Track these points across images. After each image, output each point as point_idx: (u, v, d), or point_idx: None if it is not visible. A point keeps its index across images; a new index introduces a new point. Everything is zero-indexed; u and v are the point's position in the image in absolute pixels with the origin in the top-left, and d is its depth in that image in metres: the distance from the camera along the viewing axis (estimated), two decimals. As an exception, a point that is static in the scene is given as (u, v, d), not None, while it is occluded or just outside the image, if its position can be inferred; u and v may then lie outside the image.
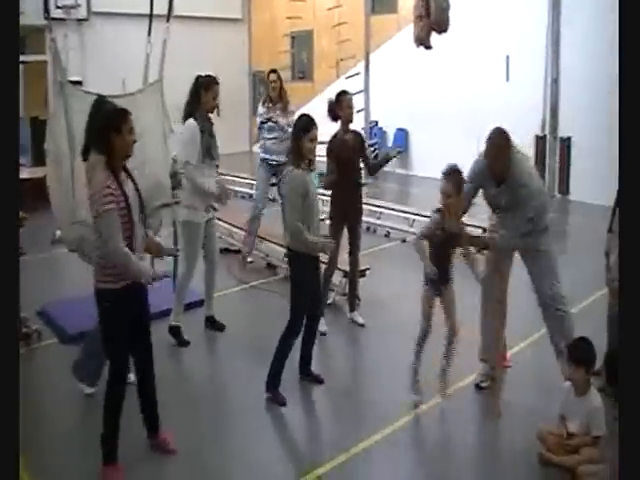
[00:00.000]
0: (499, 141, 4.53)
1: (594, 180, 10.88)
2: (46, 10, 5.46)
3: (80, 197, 4.73)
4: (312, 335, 5.05)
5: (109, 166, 3.74)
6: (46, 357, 5.62)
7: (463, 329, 5.34)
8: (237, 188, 11.91)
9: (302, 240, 4.65)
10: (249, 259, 7.94)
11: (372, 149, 13.65)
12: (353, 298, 6.35)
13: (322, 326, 5.98)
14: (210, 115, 5.75)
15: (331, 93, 6.34)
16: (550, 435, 4.11)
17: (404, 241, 8.98)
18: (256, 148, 7.81)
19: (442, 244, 4.54)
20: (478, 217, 6.60)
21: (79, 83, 12.21)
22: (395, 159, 7.18)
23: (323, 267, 5.63)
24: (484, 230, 6.15)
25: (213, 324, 6.14)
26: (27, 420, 3.84)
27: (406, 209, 9.76)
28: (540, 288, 4.75)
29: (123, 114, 3.80)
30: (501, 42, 12.48)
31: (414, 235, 4.91)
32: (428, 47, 8.17)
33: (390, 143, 15.28)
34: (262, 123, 7.59)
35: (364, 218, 6.51)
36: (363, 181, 6.39)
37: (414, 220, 9.06)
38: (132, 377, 4.21)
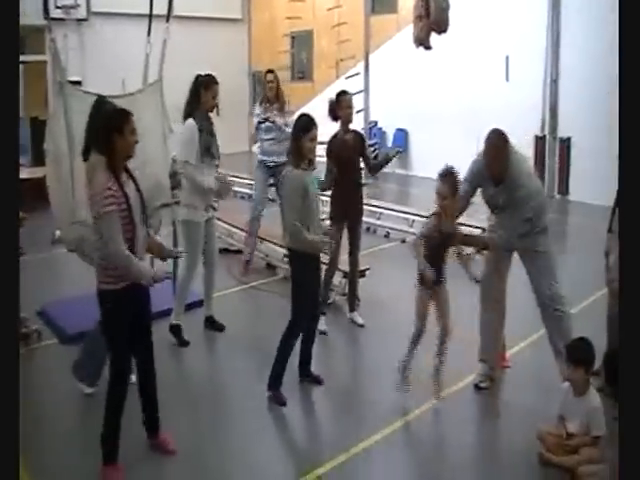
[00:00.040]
0: (497, 142, 4.54)
1: (594, 180, 10.89)
2: (45, 10, 5.48)
3: (80, 197, 4.73)
4: (311, 335, 5.05)
5: (110, 167, 3.74)
6: (46, 357, 5.62)
7: (462, 329, 5.36)
8: (236, 188, 11.91)
9: (301, 239, 4.65)
10: (250, 261, 7.89)
11: (372, 149, 13.66)
12: (353, 298, 6.35)
13: (322, 325, 5.99)
14: (210, 115, 5.75)
15: (331, 93, 6.34)
16: (549, 435, 4.11)
17: (404, 241, 8.98)
18: (255, 148, 7.77)
19: (437, 245, 4.55)
20: (477, 217, 6.60)
21: (79, 83, 12.21)
22: (395, 159, 7.18)
23: (323, 267, 5.63)
24: (483, 230, 6.15)
25: (213, 324, 6.14)
26: (27, 420, 3.84)
27: (406, 209, 9.76)
28: (539, 288, 4.76)
29: (125, 115, 3.80)
30: (501, 42, 12.49)
31: (414, 235, 4.91)
32: (428, 47, 8.17)
33: (390, 143, 15.28)
34: (259, 123, 7.54)
35: (364, 218, 6.51)
36: (363, 181, 6.38)
37: (414, 220, 9.06)
38: (133, 378, 4.21)
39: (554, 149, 12.26)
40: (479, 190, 4.86)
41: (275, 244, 7.72)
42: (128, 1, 13.08)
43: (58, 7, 14.05)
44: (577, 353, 4.10)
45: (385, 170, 6.69)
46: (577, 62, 11.57)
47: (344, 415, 4.76)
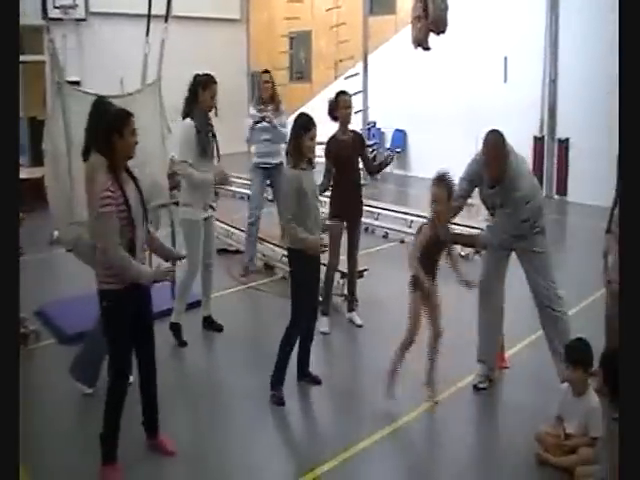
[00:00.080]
0: (495, 143, 4.55)
1: (592, 181, 10.90)
2: (44, 10, 5.47)
3: (78, 197, 4.73)
4: (310, 335, 5.05)
5: (110, 167, 3.74)
6: (44, 358, 5.61)
7: (461, 330, 5.37)
8: (235, 189, 11.92)
9: (296, 238, 4.67)
10: (249, 267, 7.86)
11: (370, 150, 13.66)
12: (352, 298, 6.35)
13: (324, 326, 5.99)
14: (210, 115, 5.75)
15: (329, 94, 6.34)
16: (548, 436, 4.11)
17: (402, 242, 8.98)
18: (252, 149, 7.73)
19: (431, 250, 4.55)
20: (476, 219, 6.61)
21: (77, 83, 12.20)
22: (393, 160, 7.18)
23: (323, 268, 5.63)
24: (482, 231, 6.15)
25: (211, 324, 6.14)
26: (26, 421, 3.83)
27: (404, 210, 9.77)
28: (536, 288, 4.77)
29: (126, 116, 3.80)
30: (499, 43, 12.50)
31: (412, 236, 4.91)
32: (426, 48, 8.18)
33: (388, 144, 15.29)
34: (255, 123, 7.44)
35: (362, 219, 6.50)
36: (362, 182, 6.38)
37: (412, 221, 9.06)
38: (131, 378, 4.20)
39: (552, 150, 12.28)
40: (477, 190, 4.88)
41: (273, 244, 7.72)
42: (126, 1, 13.10)
43: (56, 7, 14.02)
44: (575, 353, 4.10)
45: (384, 170, 6.69)
46: (575, 63, 11.58)
47: (343, 415, 4.76)
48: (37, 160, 9.84)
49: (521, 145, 4.96)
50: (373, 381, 5.10)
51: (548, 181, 12.28)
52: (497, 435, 4.59)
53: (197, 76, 5.63)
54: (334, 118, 6.03)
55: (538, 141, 12.36)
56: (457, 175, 4.87)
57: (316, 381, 5.09)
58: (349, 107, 6.04)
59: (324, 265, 5.69)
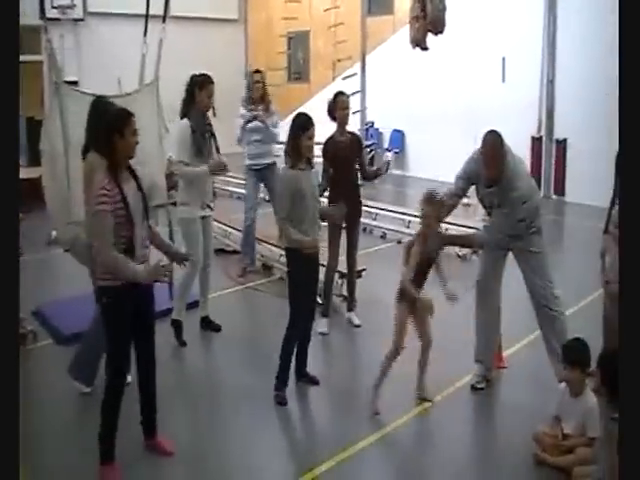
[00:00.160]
0: (494, 143, 4.56)
1: (590, 181, 10.91)
2: (42, 10, 5.46)
3: (75, 197, 4.73)
4: (307, 335, 5.04)
5: (110, 167, 3.74)
6: (42, 358, 5.60)
7: (458, 330, 5.37)
8: (232, 189, 11.92)
9: (289, 238, 4.69)
10: (249, 269, 7.85)
11: (368, 150, 13.65)
12: (351, 298, 6.35)
13: (322, 327, 5.99)
14: (209, 115, 5.74)
15: (327, 94, 6.34)
16: (546, 436, 4.11)
17: (400, 242, 8.98)
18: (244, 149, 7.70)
19: (421, 265, 4.56)
20: (474, 219, 6.61)
21: (75, 83, 12.20)
22: (391, 161, 7.18)
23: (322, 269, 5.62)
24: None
25: (209, 325, 6.13)
26: (24, 421, 3.83)
27: (402, 210, 9.77)
28: (533, 288, 4.78)
29: (127, 116, 3.81)
30: (497, 43, 12.50)
31: (409, 237, 4.91)
32: (424, 48, 8.19)
33: (386, 144, 15.30)
34: (247, 122, 7.37)
35: (361, 219, 6.50)
36: (360, 182, 6.37)
37: (410, 221, 9.06)
38: (129, 378, 4.21)
39: (550, 150, 12.29)
40: (473, 189, 4.89)
41: (271, 244, 7.72)
42: (124, 1, 13.11)
43: (54, 7, 14.03)
44: (573, 354, 4.10)
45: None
46: (573, 63, 11.60)
47: (341, 415, 4.76)
48: (35, 160, 9.82)
49: (519, 145, 4.98)
50: (371, 381, 5.10)
51: (546, 181, 12.30)
52: (495, 435, 4.59)
53: (194, 76, 5.63)
54: (333, 119, 6.04)
55: (536, 141, 12.38)
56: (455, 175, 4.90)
57: (314, 381, 5.09)
58: (347, 108, 6.05)
59: (323, 266, 5.69)
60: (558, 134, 12.18)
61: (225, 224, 8.76)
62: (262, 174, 7.55)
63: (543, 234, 4.82)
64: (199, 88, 5.58)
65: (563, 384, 4.20)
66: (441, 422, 4.63)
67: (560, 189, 12.22)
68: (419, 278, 4.56)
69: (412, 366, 4.79)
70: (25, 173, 10.25)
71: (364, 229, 9.33)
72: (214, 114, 5.81)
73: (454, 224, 7.82)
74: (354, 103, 8.58)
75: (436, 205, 4.53)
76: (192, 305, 6.16)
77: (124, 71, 7.46)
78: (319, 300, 5.90)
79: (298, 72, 18.53)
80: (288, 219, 4.66)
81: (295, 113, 4.86)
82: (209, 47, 16.49)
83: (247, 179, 7.72)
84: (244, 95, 7.50)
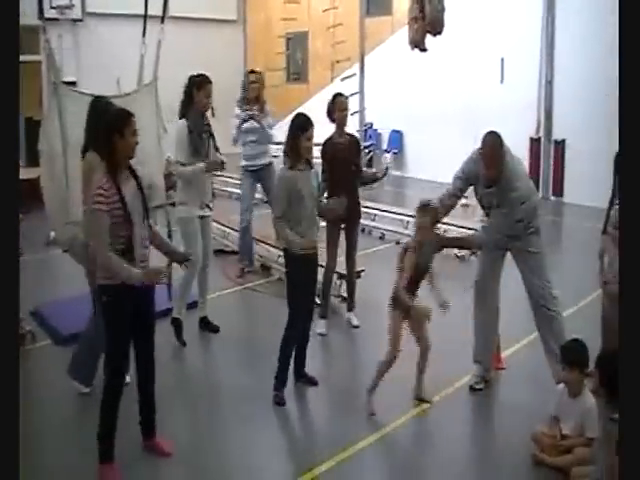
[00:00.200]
0: (494, 144, 4.56)
1: (588, 182, 10.90)
2: (40, 10, 5.45)
3: (74, 197, 4.72)
4: (305, 336, 5.04)
5: (109, 167, 3.73)
6: (40, 358, 5.59)
7: (457, 330, 5.37)
8: (231, 189, 11.92)
9: (283, 238, 4.70)
10: (247, 269, 7.85)
11: (367, 151, 13.65)
12: (351, 299, 6.35)
13: (321, 327, 5.98)
14: (208, 115, 5.73)
15: (326, 95, 6.34)
16: (544, 436, 4.12)
17: (398, 243, 8.97)
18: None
19: (414, 274, 4.56)
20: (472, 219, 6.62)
21: (73, 84, 12.19)
22: (389, 162, 7.18)
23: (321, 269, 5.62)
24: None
25: (207, 325, 6.13)
26: (23, 422, 3.83)
27: (401, 211, 9.77)
28: (531, 288, 4.78)
29: (127, 116, 3.81)
30: (496, 44, 12.51)
31: (408, 237, 4.91)
32: (423, 49, 8.20)
33: (385, 145, 15.29)
34: (243, 121, 7.33)
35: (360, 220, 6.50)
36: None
37: (409, 222, 9.05)
38: (128, 378, 4.20)
39: (549, 151, 12.30)
40: (471, 190, 4.90)
41: (269, 245, 7.72)
42: (123, 2, 13.09)
43: (53, 7, 14.00)
44: (571, 354, 4.11)
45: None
46: (572, 64, 11.60)
47: (340, 415, 4.76)
48: (33, 160, 9.82)
49: (517, 146, 4.98)
50: (370, 382, 5.10)
51: (544, 182, 12.30)
52: (493, 435, 4.60)
53: (192, 77, 5.63)
54: (332, 120, 6.04)
55: (534, 142, 12.38)
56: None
57: (312, 382, 5.09)
58: (345, 109, 6.05)
59: (321, 267, 5.69)
60: (556, 135, 12.19)
61: (224, 225, 8.76)
62: (258, 175, 7.54)
63: (541, 234, 4.83)
64: (197, 88, 5.58)
65: (561, 385, 4.20)
66: (440, 422, 4.63)
67: (558, 190, 12.23)
68: (412, 286, 4.57)
69: (411, 367, 4.79)
70: (24, 173, 10.22)
71: (363, 230, 9.32)
72: (213, 114, 5.81)
73: (453, 225, 7.83)
74: (353, 104, 8.57)
75: (430, 215, 4.55)
76: (191, 305, 6.15)
77: (123, 71, 7.46)
78: (318, 301, 5.90)
79: (297, 73, 18.53)
80: (284, 219, 4.67)
81: (294, 114, 4.85)
82: (208, 48, 16.48)
83: (243, 180, 7.71)
84: (240, 95, 7.48)
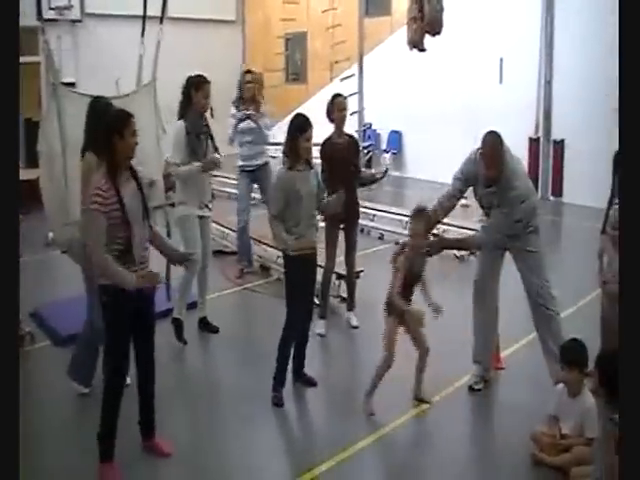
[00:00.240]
0: (494, 144, 4.56)
1: (587, 182, 10.91)
2: (39, 11, 5.44)
3: (73, 199, 4.72)
4: (304, 337, 5.04)
5: (108, 168, 3.73)
6: (39, 359, 5.59)
7: (456, 331, 5.37)
8: (230, 190, 11.91)
9: (277, 237, 4.72)
10: (246, 270, 7.84)
11: (366, 151, 13.65)
12: (351, 299, 6.34)
13: (320, 328, 5.98)
14: (207, 116, 5.73)
15: (325, 95, 6.34)
16: (543, 435, 4.12)
17: (397, 243, 8.96)
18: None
19: (407, 279, 4.57)
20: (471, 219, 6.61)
21: (72, 85, 12.18)
22: (389, 163, 7.18)
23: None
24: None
25: (206, 326, 6.13)
26: (22, 422, 3.83)
27: (400, 211, 9.76)
28: (530, 287, 4.78)
29: (126, 117, 3.81)
30: (495, 44, 12.50)
31: (407, 238, 4.90)
32: (422, 49, 8.21)
33: (384, 145, 15.29)
34: (240, 121, 7.31)
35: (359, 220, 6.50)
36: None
37: (408, 222, 9.04)
38: (128, 380, 4.20)
39: (548, 151, 12.30)
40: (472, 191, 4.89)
41: (268, 245, 7.71)
42: (122, 2, 13.06)
43: (52, 8, 13.97)
44: (570, 354, 4.11)
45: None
46: (571, 64, 11.60)
47: (340, 416, 4.76)
48: (32, 161, 9.81)
49: (516, 146, 4.98)
50: (369, 382, 5.10)
51: (543, 182, 12.30)
52: (493, 435, 4.60)
53: (190, 78, 5.63)
54: (331, 120, 6.05)
55: (533, 142, 12.38)
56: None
57: (311, 382, 5.09)
58: (344, 109, 6.05)
59: (320, 267, 5.69)
60: (555, 135, 12.19)
61: (223, 225, 8.76)
62: (255, 175, 7.54)
63: (540, 234, 4.83)
64: (195, 89, 5.58)
65: (561, 385, 4.20)
66: (439, 423, 4.63)
67: (557, 190, 12.22)
68: (407, 291, 4.58)
69: (410, 368, 4.80)
70: (23, 174, 10.22)
71: (362, 230, 9.32)
72: (212, 114, 5.81)
73: (452, 225, 7.83)
74: (352, 104, 8.58)
75: (424, 222, 4.56)
76: (191, 306, 6.15)
77: (122, 72, 7.46)
78: (317, 301, 5.90)
79: (296, 73, 18.52)
80: (279, 219, 4.68)
81: (293, 114, 4.85)
82: (207, 48, 16.46)
83: (239, 180, 7.70)
84: (236, 95, 7.47)
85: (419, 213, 4.58)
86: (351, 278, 6.34)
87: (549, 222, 10.32)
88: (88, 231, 3.77)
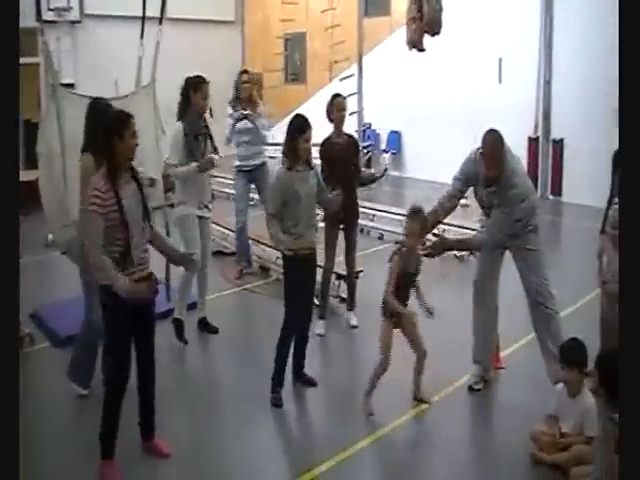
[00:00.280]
0: (495, 142, 4.56)
1: (587, 182, 10.91)
2: (38, 12, 5.44)
3: (72, 200, 4.72)
4: (304, 337, 5.04)
5: (108, 169, 3.73)
6: (39, 361, 5.59)
7: (456, 330, 5.37)
8: (229, 190, 11.90)
9: (273, 235, 4.74)
10: (245, 270, 7.84)
11: (366, 151, 13.65)
12: (352, 298, 6.34)
13: (320, 328, 5.98)
14: (207, 116, 5.73)
15: (325, 96, 6.34)
16: (543, 435, 4.12)
17: (397, 243, 8.95)
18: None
19: (401, 280, 4.57)
20: (470, 219, 6.61)
21: (71, 86, 12.18)
22: (388, 163, 7.17)
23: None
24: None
25: (206, 326, 6.13)
26: (22, 424, 3.83)
27: (400, 211, 9.75)
28: (529, 286, 4.78)
29: (126, 118, 3.81)
30: (494, 44, 12.51)
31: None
32: (421, 49, 8.21)
33: (383, 145, 15.29)
34: (237, 120, 7.30)
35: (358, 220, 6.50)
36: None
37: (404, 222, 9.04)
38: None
39: (547, 150, 12.30)
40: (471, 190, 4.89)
41: (268, 246, 7.71)
42: (121, 3, 13.05)
43: (51, 9, 13.98)
44: (570, 354, 4.11)
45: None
46: (570, 64, 11.60)
47: (340, 416, 4.77)
48: (31, 163, 9.80)
49: (516, 146, 4.97)
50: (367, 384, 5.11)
51: (543, 182, 12.30)
52: (493, 435, 4.60)
53: (188, 79, 5.63)
54: (331, 120, 6.05)
55: (533, 142, 12.38)
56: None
57: (311, 383, 5.09)
58: (343, 109, 6.06)
59: (320, 267, 5.69)
60: (555, 134, 12.19)
61: (222, 226, 8.75)
62: (252, 175, 7.53)
63: (540, 234, 4.83)
64: (193, 90, 5.58)
65: (561, 384, 4.20)
66: (439, 422, 4.63)
67: (557, 189, 12.23)
68: (401, 291, 4.58)
69: (409, 368, 4.80)
70: (22, 176, 10.22)
71: (362, 230, 9.32)
72: (211, 115, 5.81)
73: (452, 225, 7.83)
74: (351, 104, 8.58)
75: (419, 222, 4.56)
76: (190, 306, 6.16)
77: (121, 73, 7.45)
78: (316, 302, 5.90)
79: (295, 73, 18.52)
80: (277, 218, 4.69)
81: (292, 115, 4.85)
82: (206, 49, 16.45)
83: (237, 180, 7.69)
84: (232, 95, 7.46)
85: (414, 213, 4.59)
86: (351, 278, 6.34)
87: (548, 222, 10.32)
88: (85, 232, 3.77)
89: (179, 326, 5.82)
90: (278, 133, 6.55)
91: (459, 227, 7.93)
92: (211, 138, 5.75)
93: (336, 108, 5.99)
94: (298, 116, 4.79)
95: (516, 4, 12.42)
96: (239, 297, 7.25)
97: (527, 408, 4.64)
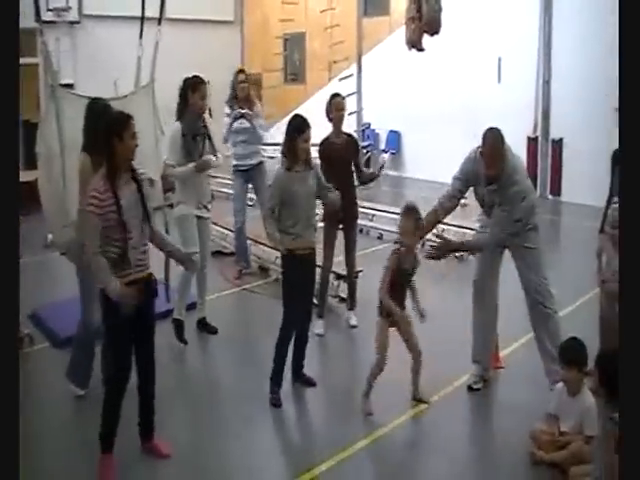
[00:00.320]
0: (494, 141, 4.56)
1: (586, 181, 10.92)
2: (37, 13, 5.44)
3: (71, 200, 4.72)
4: (304, 337, 5.04)
5: (108, 170, 3.73)
6: (38, 361, 5.58)
7: (455, 330, 5.37)
8: (229, 191, 11.90)
9: (269, 234, 4.75)
10: (245, 270, 7.84)
11: (365, 151, 13.65)
12: (352, 298, 6.35)
13: (319, 328, 5.98)
14: (206, 116, 5.73)
15: (324, 95, 6.34)
16: (542, 434, 4.12)
17: (397, 243, 8.96)
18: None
19: (397, 279, 4.58)
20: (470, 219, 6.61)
21: (71, 86, 12.17)
22: (387, 162, 7.15)
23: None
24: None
25: (205, 326, 6.13)
26: (22, 424, 3.83)
27: (399, 211, 9.74)
28: (528, 285, 4.78)
29: (126, 119, 3.81)
30: (493, 44, 12.52)
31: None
32: (420, 49, 8.20)
33: (383, 145, 15.29)
34: (235, 119, 7.27)
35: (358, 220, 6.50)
36: (356, 183, 6.38)
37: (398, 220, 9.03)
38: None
39: (546, 150, 12.31)
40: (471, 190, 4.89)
41: (267, 246, 7.70)
42: (120, 4, 13.04)
43: (50, 10, 13.98)
44: (570, 353, 4.11)
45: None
46: (570, 64, 11.61)
47: (340, 416, 4.76)
48: (31, 163, 9.79)
49: (515, 145, 4.97)
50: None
51: (542, 181, 12.31)
52: (492, 435, 4.60)
53: (186, 79, 5.62)
54: (330, 120, 6.05)
55: (532, 141, 12.39)
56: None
57: (310, 383, 5.09)
58: (342, 109, 6.06)
59: (319, 267, 5.69)
60: (554, 134, 12.20)
61: (222, 226, 8.75)
62: (249, 174, 7.52)
63: (539, 233, 4.83)
64: (192, 90, 5.57)
65: (560, 384, 4.20)
66: (439, 422, 4.63)
67: (556, 189, 12.24)
68: (396, 290, 4.58)
69: (407, 369, 4.80)
70: (22, 176, 10.21)
71: (361, 230, 9.32)
72: (210, 115, 5.80)
73: (451, 225, 7.83)
74: (350, 104, 8.57)
75: (414, 219, 4.56)
76: (190, 307, 6.15)
77: (120, 73, 7.47)
78: (315, 301, 5.90)
79: (294, 73, 18.52)
80: (274, 217, 4.70)
81: (291, 115, 4.85)
82: (205, 49, 16.45)
83: (234, 180, 7.70)
84: (229, 94, 7.45)
85: (408, 210, 4.58)
86: (351, 278, 6.34)
87: (548, 221, 10.33)
88: (83, 231, 3.77)
89: (179, 326, 5.82)
90: (277, 133, 6.56)
91: (458, 227, 7.93)
92: (210, 138, 5.74)
93: (335, 108, 5.99)
94: (297, 116, 4.79)
95: (515, 4, 12.43)
96: (238, 297, 7.25)
97: (526, 407, 4.64)
